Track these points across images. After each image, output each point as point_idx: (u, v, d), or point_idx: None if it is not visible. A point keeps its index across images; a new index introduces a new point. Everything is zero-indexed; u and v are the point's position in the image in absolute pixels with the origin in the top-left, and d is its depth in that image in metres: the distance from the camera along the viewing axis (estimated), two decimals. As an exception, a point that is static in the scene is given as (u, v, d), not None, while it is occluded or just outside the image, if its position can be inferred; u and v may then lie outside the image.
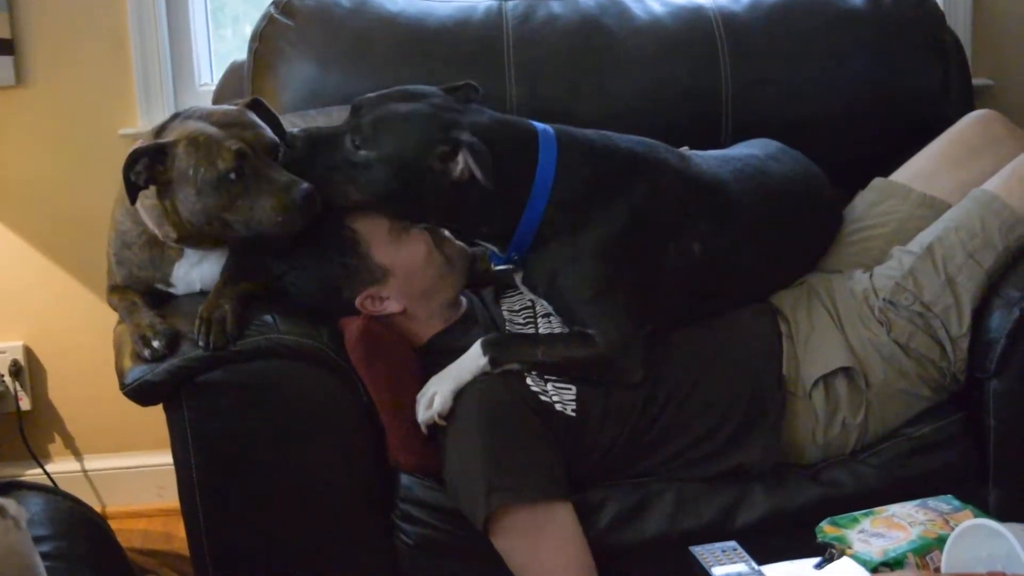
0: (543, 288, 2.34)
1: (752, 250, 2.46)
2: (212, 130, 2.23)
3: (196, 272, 2.38)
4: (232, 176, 2.19)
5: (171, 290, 2.41)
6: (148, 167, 2.21)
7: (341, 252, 2.32)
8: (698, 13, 2.94)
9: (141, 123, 3.14)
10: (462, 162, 2.20)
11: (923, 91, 2.96)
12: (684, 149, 2.51)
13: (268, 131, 2.29)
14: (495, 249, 2.36)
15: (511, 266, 2.37)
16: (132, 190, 2.22)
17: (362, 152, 2.22)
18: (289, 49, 2.80)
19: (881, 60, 2.94)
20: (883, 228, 2.57)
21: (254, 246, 2.29)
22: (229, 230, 2.25)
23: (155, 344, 2.19)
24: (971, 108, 2.83)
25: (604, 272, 2.29)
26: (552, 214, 2.28)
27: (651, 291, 2.34)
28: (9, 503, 1.67)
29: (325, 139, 2.27)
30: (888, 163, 2.74)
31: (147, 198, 2.27)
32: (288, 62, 2.80)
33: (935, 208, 2.54)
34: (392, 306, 2.35)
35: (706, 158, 2.49)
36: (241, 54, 2.91)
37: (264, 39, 2.83)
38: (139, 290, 2.41)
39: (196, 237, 2.30)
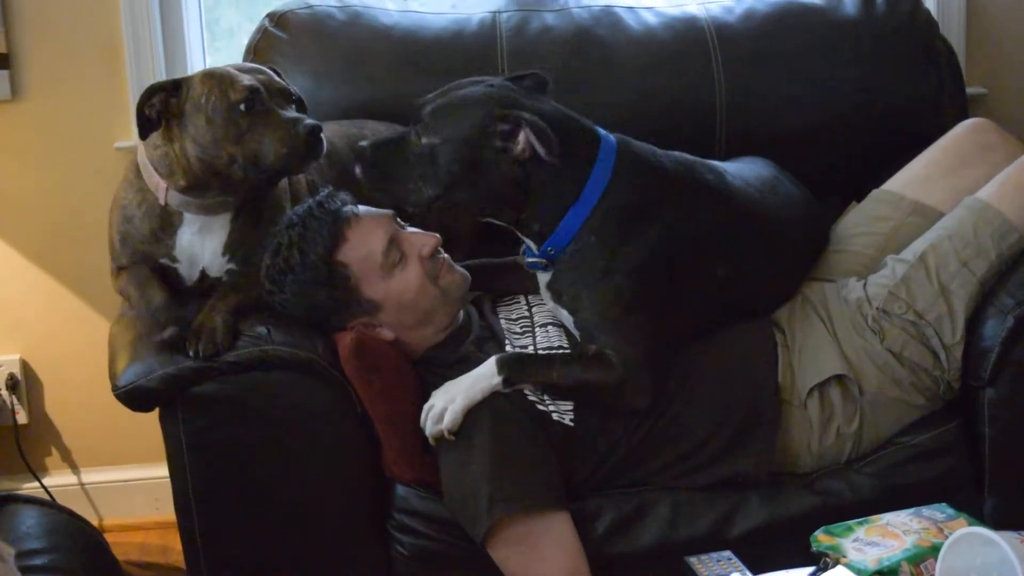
0: (568, 297, 2.33)
1: (765, 271, 2.48)
2: (227, 68, 2.32)
3: (198, 243, 2.38)
4: (242, 107, 2.26)
5: (176, 267, 2.40)
6: (163, 101, 2.27)
7: (330, 286, 2.31)
8: (691, 24, 2.95)
9: (136, 136, 3.14)
10: (523, 139, 2.21)
11: (917, 100, 2.97)
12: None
13: (284, 81, 2.37)
14: (532, 245, 2.35)
15: (541, 267, 2.35)
16: (145, 126, 2.27)
17: (424, 141, 2.24)
18: (283, 62, 2.80)
19: (874, 69, 2.95)
20: (876, 236, 2.58)
21: (259, 188, 2.36)
22: (232, 167, 2.29)
23: (167, 333, 2.22)
24: (965, 117, 2.83)
25: (634, 291, 2.29)
26: (597, 219, 2.28)
27: (671, 313, 2.35)
28: (2, 545, 1.72)
29: (391, 141, 2.31)
30: (882, 172, 2.74)
31: (156, 148, 2.32)
32: (283, 75, 2.80)
33: (927, 216, 2.54)
34: (384, 334, 2.35)
35: (736, 176, 2.49)
36: (236, 67, 2.91)
37: (259, 52, 2.84)
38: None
39: (204, 184, 2.32)
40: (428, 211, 2.32)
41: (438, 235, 2.39)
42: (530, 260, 2.37)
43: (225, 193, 2.36)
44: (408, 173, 2.27)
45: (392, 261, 2.33)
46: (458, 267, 2.42)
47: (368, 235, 2.33)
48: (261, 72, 2.36)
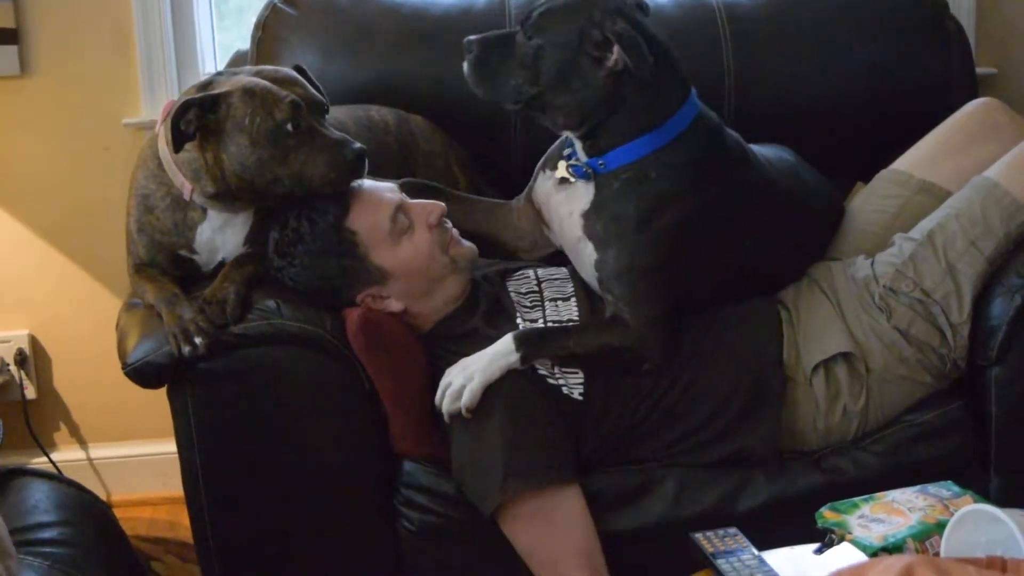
0: (602, 229, 2.33)
1: (785, 252, 2.50)
2: (266, 83, 2.26)
3: (219, 238, 2.37)
4: (288, 127, 2.23)
5: (194, 257, 2.38)
6: (199, 116, 2.22)
7: (339, 254, 2.31)
8: (701, 2, 2.94)
9: (145, 113, 3.16)
10: (617, 51, 2.24)
11: (926, 79, 2.96)
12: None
13: (314, 91, 2.33)
14: (582, 153, 2.36)
15: (583, 172, 2.35)
16: (180, 139, 2.22)
17: (532, 42, 2.28)
18: (292, 38, 2.81)
19: (884, 48, 2.94)
20: (883, 214, 2.58)
21: (293, 203, 2.32)
22: (276, 185, 2.26)
23: (197, 341, 2.17)
24: (974, 96, 2.82)
25: (666, 249, 2.31)
26: (663, 157, 2.31)
27: (692, 279, 2.37)
28: None
29: (497, 38, 2.35)
30: (891, 151, 2.74)
31: (185, 151, 2.27)
32: (291, 51, 2.80)
33: (935, 195, 2.54)
34: (393, 305, 2.35)
35: (762, 155, 2.52)
36: (245, 44, 2.91)
37: (267, 28, 2.84)
38: (163, 265, 2.38)
39: (233, 194, 2.30)
40: (526, 107, 2.34)
41: (443, 204, 2.40)
42: (573, 163, 2.37)
43: (258, 202, 2.35)
44: (511, 71, 2.31)
45: (400, 228, 2.33)
46: (465, 240, 2.42)
47: (375, 203, 2.33)
48: (295, 83, 2.30)
